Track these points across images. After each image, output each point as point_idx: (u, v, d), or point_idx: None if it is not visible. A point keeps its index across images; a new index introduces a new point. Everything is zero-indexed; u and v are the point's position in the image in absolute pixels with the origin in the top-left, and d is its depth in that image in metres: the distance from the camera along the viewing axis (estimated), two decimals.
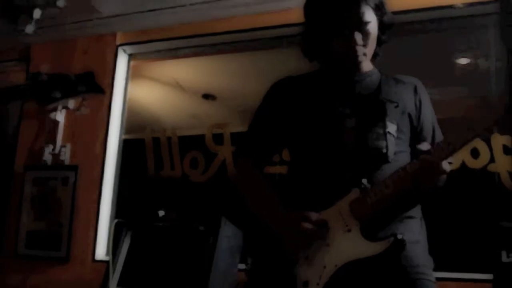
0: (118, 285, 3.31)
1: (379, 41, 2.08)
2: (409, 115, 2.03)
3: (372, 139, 1.94)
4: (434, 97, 2.16)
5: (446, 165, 1.81)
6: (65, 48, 4.59)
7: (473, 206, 3.24)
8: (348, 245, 1.85)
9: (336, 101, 2.01)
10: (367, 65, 2.10)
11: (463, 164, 3.34)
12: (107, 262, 3.41)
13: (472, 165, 3.32)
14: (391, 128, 1.96)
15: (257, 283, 2.00)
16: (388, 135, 1.94)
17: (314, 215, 1.90)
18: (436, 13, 3.70)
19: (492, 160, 3.32)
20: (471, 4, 3.55)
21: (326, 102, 2.01)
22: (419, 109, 2.06)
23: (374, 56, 2.12)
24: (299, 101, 2.06)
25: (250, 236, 2.10)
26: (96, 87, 2.01)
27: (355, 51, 1.98)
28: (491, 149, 3.32)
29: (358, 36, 1.96)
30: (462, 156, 3.36)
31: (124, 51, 4.55)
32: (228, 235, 3.15)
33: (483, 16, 3.54)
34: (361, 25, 1.96)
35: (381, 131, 1.95)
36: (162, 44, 4.46)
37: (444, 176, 1.88)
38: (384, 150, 1.93)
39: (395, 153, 1.94)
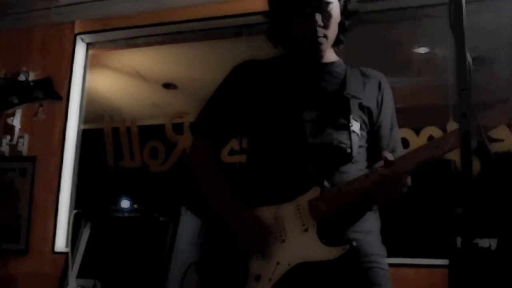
0: (77, 276, 3.27)
1: (342, 28, 2.06)
2: (370, 110, 2.01)
3: (336, 137, 1.92)
4: (392, 86, 2.17)
5: (408, 179, 1.81)
6: (23, 37, 4.52)
7: (430, 193, 3.29)
8: (303, 246, 1.83)
9: (298, 90, 1.98)
10: (331, 55, 2.09)
11: None
12: (66, 253, 3.38)
13: None
14: (355, 126, 1.94)
15: (209, 264, 1.98)
16: (352, 134, 1.92)
17: (269, 212, 1.89)
18: (395, 3, 3.74)
19: None
20: None
21: (287, 91, 1.98)
22: (380, 105, 2.04)
23: (337, 44, 2.09)
24: (259, 86, 2.02)
25: (207, 224, 2.07)
26: (54, 93, 2.02)
27: (315, 31, 1.95)
28: None
29: (318, 17, 1.93)
30: (419, 143, 3.42)
31: (82, 40, 4.49)
32: (188, 225, 3.14)
33: (439, 6, 3.59)
34: (322, 6, 1.94)
35: (345, 130, 1.93)
36: (121, 33, 4.42)
37: (405, 189, 1.85)
38: (349, 150, 1.91)
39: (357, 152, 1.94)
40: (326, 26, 1.97)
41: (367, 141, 2.00)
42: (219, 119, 2.08)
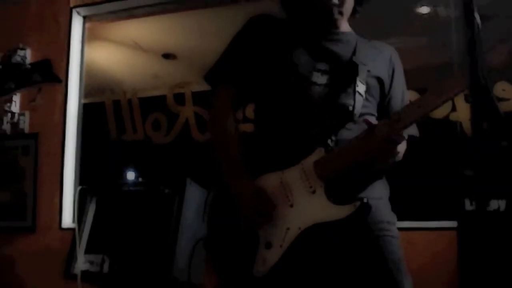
0: (85, 252, 3.28)
1: (358, 0, 2.05)
2: (381, 81, 2.00)
3: (341, 98, 1.91)
4: (395, 46, 2.16)
5: (401, 146, 1.79)
6: (17, 12, 4.45)
7: (436, 155, 3.27)
8: (312, 208, 1.81)
9: (308, 53, 1.96)
10: (345, 25, 2.07)
11: None
12: (73, 229, 3.38)
13: (434, 115, 3.32)
14: (360, 87, 1.92)
15: (217, 238, 1.97)
16: (356, 94, 1.91)
17: (274, 179, 1.87)
18: None
19: (453, 108, 3.33)
20: None
21: (297, 53, 1.96)
22: (391, 77, 2.04)
23: (353, 14, 2.08)
24: (271, 44, 1.99)
25: (213, 192, 2.05)
26: (53, 76, 1.96)
27: (330, 9, 1.95)
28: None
29: None
30: None
31: (79, 13, 4.42)
32: (194, 197, 3.13)
33: None
34: None
35: (350, 90, 1.91)
36: (118, 4, 4.35)
37: (396, 153, 1.83)
38: (351, 108, 1.90)
39: (362, 114, 1.91)
40: (341, 3, 1.96)
41: (378, 112, 1.99)
42: (239, 65, 2.02)
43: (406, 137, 1.80)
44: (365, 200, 1.78)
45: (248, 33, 2.06)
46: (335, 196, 1.81)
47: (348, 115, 1.90)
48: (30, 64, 1.95)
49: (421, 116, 1.75)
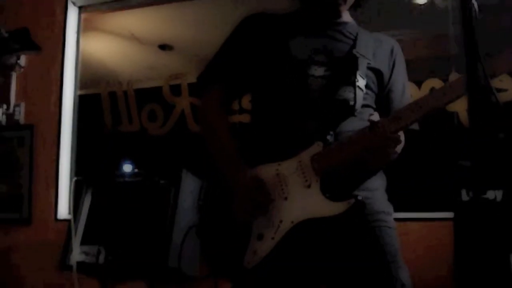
0: (81, 243, 3.28)
1: None
2: (381, 73, 1.98)
3: (340, 93, 1.89)
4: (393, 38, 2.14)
5: (398, 147, 1.78)
6: (12, 2, 4.40)
7: (433, 146, 3.26)
8: (306, 202, 1.80)
9: (307, 46, 1.94)
10: (345, 16, 2.06)
11: None
12: (69, 221, 3.37)
13: None
14: (361, 82, 1.91)
15: (209, 225, 1.97)
16: (357, 89, 1.89)
17: (270, 170, 1.85)
18: None
19: None
20: None
21: (296, 46, 1.94)
22: (391, 70, 2.02)
23: (355, 7, 2.07)
24: (268, 40, 1.98)
25: (208, 183, 2.04)
26: (31, 44, 1.92)
27: None
28: None
29: None
30: (421, 95, 3.36)
31: (74, 3, 4.39)
32: (189, 188, 3.12)
33: None
34: None
35: (350, 84, 1.90)
36: None
37: (394, 152, 1.82)
38: (352, 103, 1.88)
39: (362, 107, 1.90)
40: None
41: (377, 103, 1.98)
42: (231, 66, 2.02)
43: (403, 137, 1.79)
44: (359, 198, 1.77)
45: (241, 31, 2.06)
46: (330, 191, 1.79)
47: (348, 110, 1.88)
48: (8, 32, 1.90)
49: (422, 116, 1.73)
